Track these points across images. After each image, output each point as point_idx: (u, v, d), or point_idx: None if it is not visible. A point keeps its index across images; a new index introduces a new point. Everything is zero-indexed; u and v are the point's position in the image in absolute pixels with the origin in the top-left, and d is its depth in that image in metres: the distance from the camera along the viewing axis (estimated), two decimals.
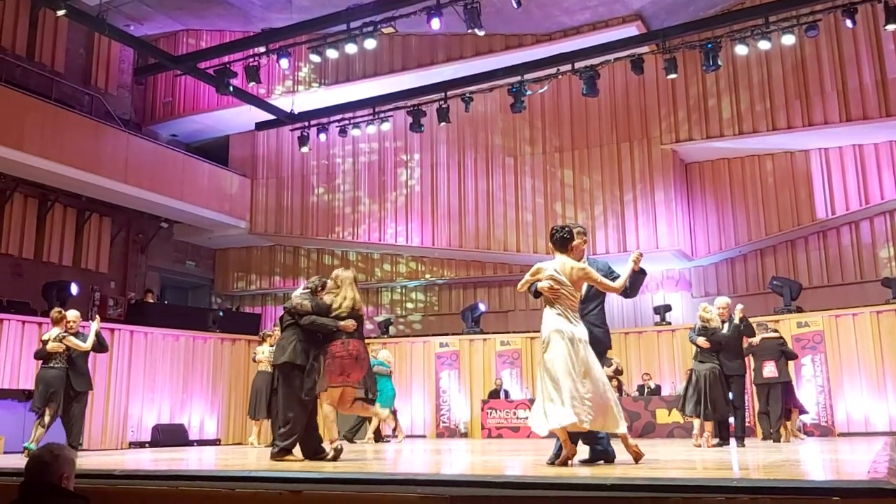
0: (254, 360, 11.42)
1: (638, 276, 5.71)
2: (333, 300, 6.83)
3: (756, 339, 10.29)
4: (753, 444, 9.26)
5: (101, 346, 9.32)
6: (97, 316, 9.88)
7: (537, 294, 5.58)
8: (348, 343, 6.67)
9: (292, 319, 6.88)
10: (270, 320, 18.32)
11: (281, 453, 6.61)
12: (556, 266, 5.54)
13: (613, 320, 16.37)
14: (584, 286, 5.73)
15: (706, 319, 8.76)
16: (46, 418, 8.77)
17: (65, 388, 8.87)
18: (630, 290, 5.75)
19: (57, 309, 9.50)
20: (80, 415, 9.10)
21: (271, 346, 10.61)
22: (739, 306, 9.08)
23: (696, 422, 8.75)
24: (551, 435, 5.54)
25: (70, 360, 8.94)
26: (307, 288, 7.12)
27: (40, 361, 9.04)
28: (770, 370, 10.28)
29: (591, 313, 5.80)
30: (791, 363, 10.91)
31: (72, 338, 8.99)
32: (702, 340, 8.69)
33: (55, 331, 8.99)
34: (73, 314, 9.18)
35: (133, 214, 16.88)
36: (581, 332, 5.46)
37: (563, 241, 5.61)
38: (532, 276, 5.59)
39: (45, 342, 8.96)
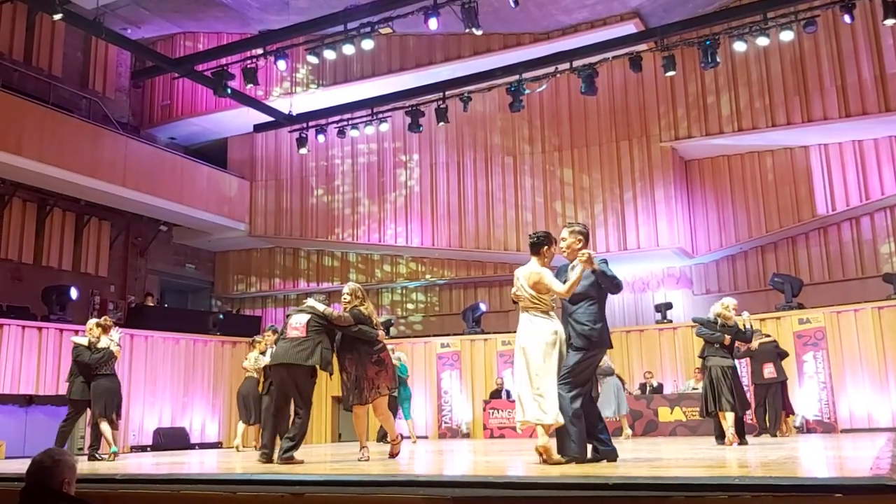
0: (244, 368, 11.03)
1: (604, 277, 5.64)
2: (368, 311, 7.06)
3: (755, 345, 10.78)
4: (754, 442, 9.25)
5: None
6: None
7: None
8: (388, 352, 7.11)
9: (320, 325, 6.87)
10: (271, 322, 18.30)
11: (290, 459, 6.62)
12: (524, 272, 5.75)
13: (615, 319, 16.36)
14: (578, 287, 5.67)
15: (727, 317, 8.81)
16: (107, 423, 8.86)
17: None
18: (611, 287, 5.66)
19: (106, 317, 9.58)
20: None
21: (261, 352, 10.54)
22: (746, 314, 9.21)
23: (731, 416, 8.50)
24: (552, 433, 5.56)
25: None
26: (320, 301, 7.23)
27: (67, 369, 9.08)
28: (770, 371, 10.95)
29: (577, 312, 5.71)
30: (785, 361, 11.49)
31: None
32: (728, 338, 8.74)
33: (107, 338, 9.03)
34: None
35: (132, 218, 16.87)
36: (560, 330, 5.65)
37: (533, 245, 5.82)
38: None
39: (103, 348, 8.89)
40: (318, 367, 6.80)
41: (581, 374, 5.61)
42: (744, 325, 9.16)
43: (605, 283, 5.66)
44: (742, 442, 8.64)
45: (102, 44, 16.26)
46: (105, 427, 8.79)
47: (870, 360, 12.41)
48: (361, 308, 7.00)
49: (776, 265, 15.41)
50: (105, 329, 9.08)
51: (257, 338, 11.00)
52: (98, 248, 16.29)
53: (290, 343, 6.84)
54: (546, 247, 5.77)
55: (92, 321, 9.22)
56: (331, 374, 7.06)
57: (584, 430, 5.54)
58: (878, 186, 14.34)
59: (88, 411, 8.96)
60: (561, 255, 5.91)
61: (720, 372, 8.61)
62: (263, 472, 5.66)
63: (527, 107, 15.11)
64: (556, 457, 5.48)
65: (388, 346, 7.62)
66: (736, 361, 9.12)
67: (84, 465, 7.60)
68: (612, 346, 5.95)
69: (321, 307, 6.98)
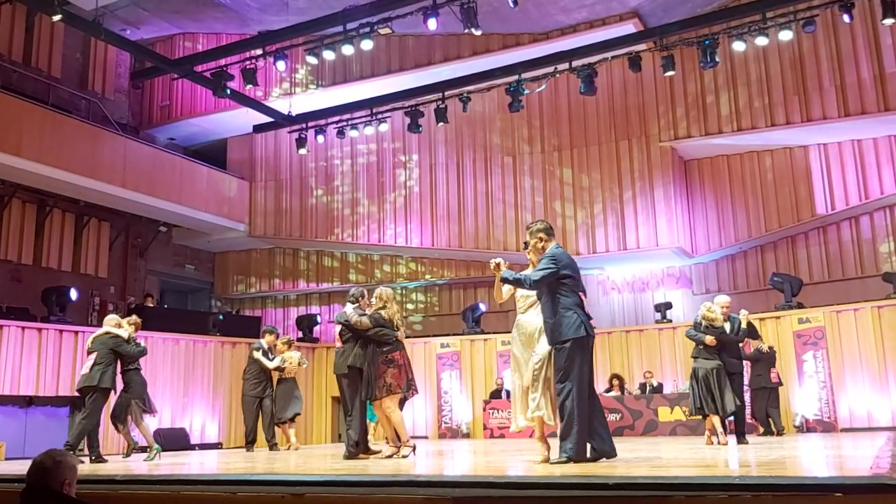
0: (280, 370, 10.97)
1: (511, 283, 5.91)
2: (389, 314, 7.58)
3: (764, 347, 11.29)
4: (755, 441, 9.27)
5: None
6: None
7: None
8: (403, 353, 7.57)
9: (349, 332, 7.70)
10: (270, 323, 18.28)
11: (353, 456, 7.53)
12: None
13: (614, 319, 16.40)
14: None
15: (711, 319, 8.82)
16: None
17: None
18: (530, 286, 5.86)
19: (135, 315, 9.97)
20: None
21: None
22: (744, 312, 9.25)
23: (715, 419, 8.64)
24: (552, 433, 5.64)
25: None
26: (352, 296, 7.88)
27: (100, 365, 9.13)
28: (775, 375, 11.35)
29: (542, 309, 5.89)
30: (784, 361, 12.31)
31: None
32: (710, 339, 8.73)
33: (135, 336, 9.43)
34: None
35: (131, 219, 16.87)
36: (525, 325, 6.08)
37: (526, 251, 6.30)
38: None
39: (141, 344, 9.49)
40: (356, 366, 7.61)
41: (564, 371, 5.58)
42: (745, 324, 9.20)
43: (515, 284, 5.91)
44: (742, 441, 8.68)
45: (101, 45, 16.24)
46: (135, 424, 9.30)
47: (869, 359, 12.42)
48: (382, 312, 7.60)
49: (776, 265, 15.41)
50: (137, 327, 9.57)
51: (288, 337, 11.48)
52: (98, 248, 16.28)
53: (336, 355, 7.88)
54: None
55: (116, 317, 9.51)
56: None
57: (582, 428, 5.52)
58: (878, 186, 14.35)
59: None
60: (527, 255, 6.19)
61: (704, 374, 8.66)
62: (263, 472, 5.67)
63: (526, 107, 15.11)
64: (544, 454, 5.73)
65: None
66: (744, 363, 9.26)
67: (84, 466, 7.61)
68: (587, 335, 5.68)
69: (349, 313, 7.67)
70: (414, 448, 7.51)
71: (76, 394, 9.59)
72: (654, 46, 13.78)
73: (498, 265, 5.83)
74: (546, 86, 15.25)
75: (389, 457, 7.45)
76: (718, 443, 8.40)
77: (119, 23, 16.02)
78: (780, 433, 11.12)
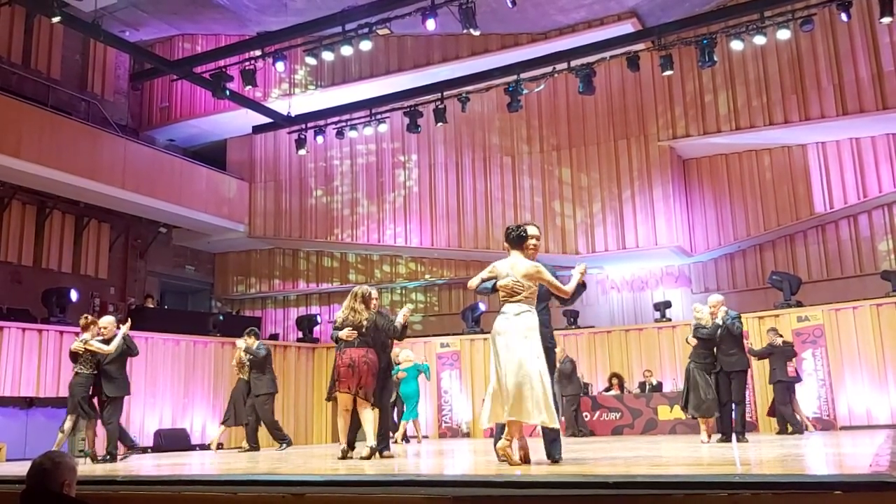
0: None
1: (580, 288, 5.85)
2: (343, 314, 7.45)
3: (778, 341, 11.28)
4: (756, 440, 9.28)
5: (129, 349, 9.29)
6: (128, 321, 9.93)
7: (494, 290, 5.78)
8: (343, 352, 7.24)
9: None
10: (270, 323, 18.33)
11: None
12: (519, 264, 5.67)
13: (614, 318, 16.43)
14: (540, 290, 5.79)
15: (697, 318, 9.12)
16: (67, 424, 8.96)
17: (92, 394, 9.05)
18: (570, 300, 5.90)
19: (84, 315, 9.64)
20: (109, 421, 9.07)
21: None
22: (723, 308, 9.12)
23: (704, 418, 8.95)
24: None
25: (98, 365, 9.03)
26: None
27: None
28: (791, 370, 11.32)
29: (540, 314, 5.79)
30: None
31: (93, 342, 9.05)
32: (689, 338, 9.17)
33: (85, 336, 9.11)
34: (106, 320, 9.31)
35: (131, 220, 16.87)
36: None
37: (518, 238, 5.76)
38: (489, 273, 5.76)
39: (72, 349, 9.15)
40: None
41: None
42: (721, 320, 9.01)
43: (578, 294, 5.89)
44: (742, 439, 8.71)
45: (101, 46, 16.24)
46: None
47: (868, 357, 12.43)
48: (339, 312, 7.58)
49: (774, 263, 15.43)
50: (83, 328, 9.27)
51: None
52: (98, 250, 16.29)
53: None
54: (527, 240, 5.79)
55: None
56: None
57: None
58: (876, 184, 14.36)
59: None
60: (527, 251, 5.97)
61: (688, 373, 9.07)
62: (264, 472, 5.67)
63: (525, 107, 15.12)
64: (516, 459, 5.47)
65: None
66: (745, 356, 9.24)
67: (84, 467, 7.61)
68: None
69: None
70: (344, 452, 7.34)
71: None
72: (652, 46, 13.79)
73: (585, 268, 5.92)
74: (545, 86, 15.26)
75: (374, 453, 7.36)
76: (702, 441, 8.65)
77: (118, 24, 16.03)
78: (780, 432, 11.02)
